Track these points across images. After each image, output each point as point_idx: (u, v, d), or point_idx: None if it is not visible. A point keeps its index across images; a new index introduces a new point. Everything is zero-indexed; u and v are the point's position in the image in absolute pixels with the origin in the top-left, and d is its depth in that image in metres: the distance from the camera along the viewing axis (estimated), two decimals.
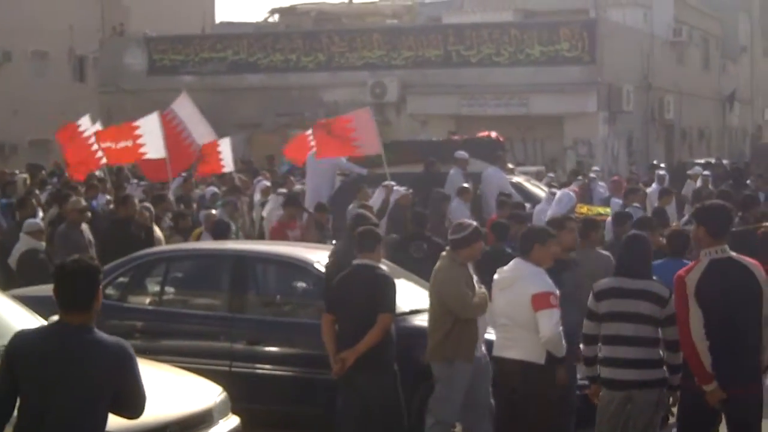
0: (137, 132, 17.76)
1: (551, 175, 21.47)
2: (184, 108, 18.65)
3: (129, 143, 17.81)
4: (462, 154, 16.41)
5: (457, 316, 8.12)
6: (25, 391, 4.93)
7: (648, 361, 7.34)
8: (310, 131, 20.46)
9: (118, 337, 5.03)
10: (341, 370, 8.03)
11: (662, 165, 25.24)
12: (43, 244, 12.68)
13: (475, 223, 8.57)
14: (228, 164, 18.85)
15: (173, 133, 18.45)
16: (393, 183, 15.15)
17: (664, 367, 7.35)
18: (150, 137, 17.60)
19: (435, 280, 8.37)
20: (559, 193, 15.21)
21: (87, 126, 19.48)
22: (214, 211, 14.84)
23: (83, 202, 14.06)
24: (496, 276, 8.02)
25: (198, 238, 13.22)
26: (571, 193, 15.43)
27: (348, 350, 7.99)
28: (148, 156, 18.27)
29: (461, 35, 31.43)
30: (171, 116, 18.66)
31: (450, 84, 30.80)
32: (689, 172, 21.72)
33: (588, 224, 10.18)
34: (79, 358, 4.88)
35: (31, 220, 13.16)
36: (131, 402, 5.04)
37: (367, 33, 33.10)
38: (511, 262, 8.00)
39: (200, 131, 18.75)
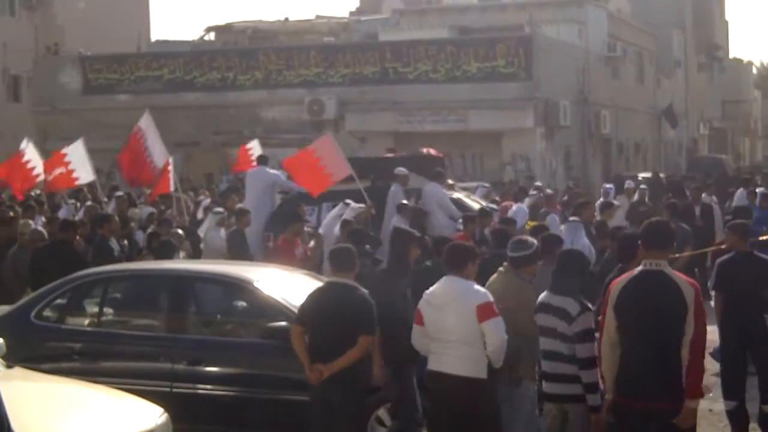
0: (66, 159, 18.11)
1: (486, 185, 21.52)
2: (149, 127, 18.74)
3: (63, 170, 18.14)
4: (402, 170, 16.41)
5: (526, 336, 8.06)
6: None
7: (569, 376, 7.42)
8: (249, 144, 20.77)
9: None
10: (318, 381, 8.02)
11: (640, 177, 25.38)
12: None
13: (534, 240, 8.61)
14: (171, 184, 18.76)
15: (139, 150, 18.64)
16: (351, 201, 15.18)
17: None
18: (78, 164, 17.90)
19: (505, 298, 8.16)
20: (514, 207, 15.29)
21: (24, 148, 19.56)
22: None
23: (32, 225, 14.05)
24: (426, 295, 7.98)
25: None
26: (525, 208, 15.54)
27: (325, 364, 7.99)
28: (81, 182, 18.80)
29: (398, 52, 31.54)
30: (140, 135, 18.78)
31: (388, 101, 30.90)
32: (626, 186, 21.95)
33: (552, 239, 10.24)
34: None
35: None
36: None
37: (304, 50, 33.12)
38: (443, 280, 7.94)
39: (158, 150, 18.81)
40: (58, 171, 18.15)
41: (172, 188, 18.67)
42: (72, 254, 12.29)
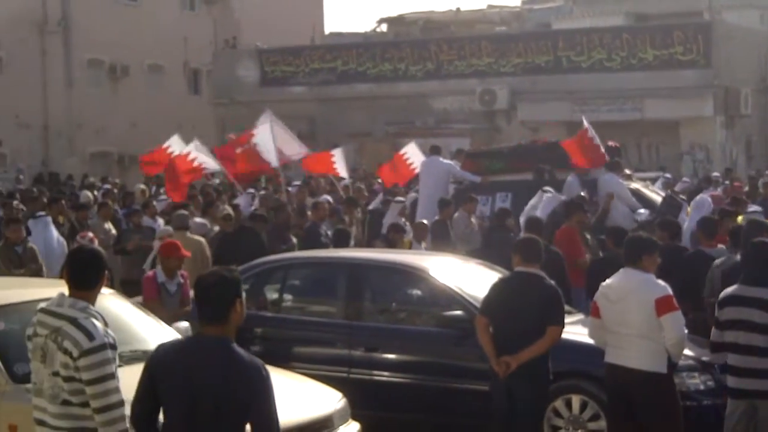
0: (254, 140, 17.77)
1: (667, 175, 20.96)
2: (267, 129, 18.24)
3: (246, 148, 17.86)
4: None
5: None
6: (166, 405, 4.93)
7: (762, 371, 7.15)
8: (403, 150, 20.37)
9: (254, 357, 4.89)
10: (505, 374, 7.97)
11: None
12: None
13: None
14: (342, 173, 18.81)
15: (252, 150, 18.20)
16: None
17: None
18: (264, 149, 17.59)
19: None
20: (697, 198, 14.83)
21: (175, 147, 19.59)
22: None
23: (229, 210, 14.57)
24: (602, 287, 7.88)
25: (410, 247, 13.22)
26: (709, 198, 15.05)
27: (511, 356, 7.93)
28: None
29: (571, 41, 31.14)
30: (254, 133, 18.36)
31: (561, 90, 30.53)
32: None
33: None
34: (214, 373, 4.79)
35: (164, 227, 13.56)
36: (262, 424, 4.83)
37: (476, 40, 33.04)
38: (619, 273, 7.83)
39: (290, 147, 18.57)
40: (240, 149, 17.93)
41: (344, 175, 18.63)
42: (256, 242, 12.60)
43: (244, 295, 4.96)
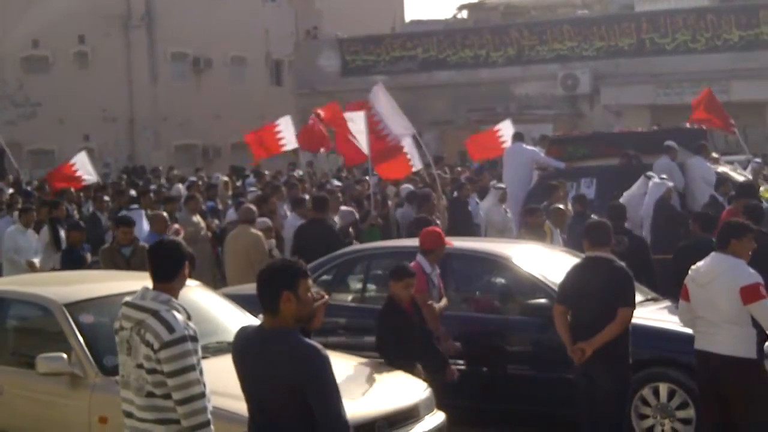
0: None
1: (758, 159, 20.58)
2: (379, 100, 18.38)
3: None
4: (672, 143, 15.91)
5: None
6: (244, 393, 5.07)
7: None
8: (498, 126, 20.40)
9: (314, 344, 4.87)
10: (581, 360, 7.95)
11: None
12: (273, 241, 13.09)
13: None
14: (416, 163, 18.57)
15: (374, 129, 18.31)
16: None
17: None
18: (360, 136, 17.52)
19: None
20: None
21: (284, 127, 19.92)
22: None
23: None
24: (691, 271, 7.81)
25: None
26: None
27: (586, 342, 7.88)
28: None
29: (655, 23, 30.76)
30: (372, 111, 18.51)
31: (645, 73, 30.18)
32: None
33: None
34: (267, 359, 4.86)
35: (261, 219, 13.60)
36: (318, 410, 4.80)
37: (557, 25, 32.78)
38: (709, 257, 7.77)
39: (398, 124, 18.56)
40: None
41: (416, 167, 18.45)
42: (324, 230, 12.51)
43: (303, 286, 4.94)
